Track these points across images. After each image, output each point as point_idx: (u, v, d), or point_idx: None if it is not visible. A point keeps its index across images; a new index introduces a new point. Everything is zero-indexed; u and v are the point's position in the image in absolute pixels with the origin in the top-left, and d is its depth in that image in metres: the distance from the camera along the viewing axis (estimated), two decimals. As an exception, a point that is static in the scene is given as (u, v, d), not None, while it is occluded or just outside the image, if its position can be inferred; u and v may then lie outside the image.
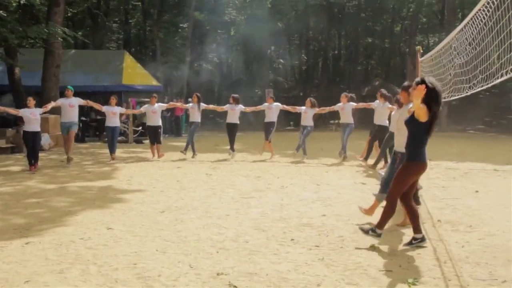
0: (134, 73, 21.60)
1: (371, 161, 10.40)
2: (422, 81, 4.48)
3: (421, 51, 9.64)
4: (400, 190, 4.66)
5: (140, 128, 18.09)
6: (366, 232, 4.80)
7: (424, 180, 8.64)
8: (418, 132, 4.58)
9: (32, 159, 10.08)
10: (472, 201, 7.00)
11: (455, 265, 4.23)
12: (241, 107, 12.86)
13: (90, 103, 12.26)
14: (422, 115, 4.40)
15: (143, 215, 6.23)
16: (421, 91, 4.22)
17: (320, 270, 4.14)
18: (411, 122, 4.58)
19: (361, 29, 31.71)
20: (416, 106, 4.34)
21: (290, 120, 25.49)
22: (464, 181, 8.93)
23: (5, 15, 14.27)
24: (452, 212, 6.32)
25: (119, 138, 18.14)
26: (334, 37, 36.17)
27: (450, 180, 8.98)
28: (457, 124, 27.05)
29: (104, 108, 12.14)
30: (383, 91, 10.87)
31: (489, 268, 4.15)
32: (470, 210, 6.43)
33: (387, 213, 4.76)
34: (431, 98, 4.40)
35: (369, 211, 5.73)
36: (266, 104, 12.92)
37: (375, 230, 4.77)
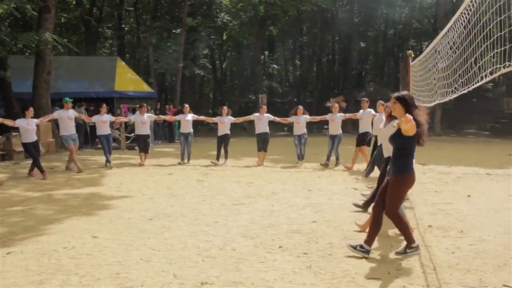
0: (126, 79, 21.51)
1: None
2: (398, 98, 4.48)
3: (413, 55, 9.58)
4: (398, 204, 4.55)
5: (132, 134, 17.95)
6: (354, 248, 4.66)
7: (416, 185, 8.47)
8: (408, 145, 4.48)
9: (40, 166, 10.15)
10: (464, 206, 6.93)
11: (444, 272, 4.15)
12: (230, 118, 12.78)
13: (82, 116, 13.20)
14: (410, 131, 4.29)
15: (131, 222, 6.12)
16: (408, 121, 4.14)
17: (307, 278, 4.05)
18: (399, 137, 4.45)
19: (354, 34, 31.76)
20: (405, 128, 4.23)
21: (284, 125, 25.43)
22: (456, 185, 8.87)
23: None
24: (444, 217, 6.25)
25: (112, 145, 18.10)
26: (327, 42, 36.24)
27: (442, 185, 8.92)
28: (450, 128, 27.11)
29: (93, 119, 12.30)
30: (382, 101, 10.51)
31: (479, 274, 4.07)
32: (462, 215, 6.37)
33: (375, 229, 4.63)
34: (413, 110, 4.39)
35: (365, 226, 5.61)
36: (256, 114, 12.69)
37: (363, 246, 4.62)
